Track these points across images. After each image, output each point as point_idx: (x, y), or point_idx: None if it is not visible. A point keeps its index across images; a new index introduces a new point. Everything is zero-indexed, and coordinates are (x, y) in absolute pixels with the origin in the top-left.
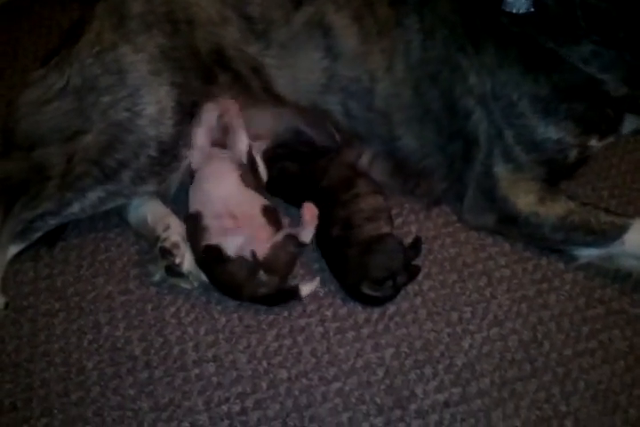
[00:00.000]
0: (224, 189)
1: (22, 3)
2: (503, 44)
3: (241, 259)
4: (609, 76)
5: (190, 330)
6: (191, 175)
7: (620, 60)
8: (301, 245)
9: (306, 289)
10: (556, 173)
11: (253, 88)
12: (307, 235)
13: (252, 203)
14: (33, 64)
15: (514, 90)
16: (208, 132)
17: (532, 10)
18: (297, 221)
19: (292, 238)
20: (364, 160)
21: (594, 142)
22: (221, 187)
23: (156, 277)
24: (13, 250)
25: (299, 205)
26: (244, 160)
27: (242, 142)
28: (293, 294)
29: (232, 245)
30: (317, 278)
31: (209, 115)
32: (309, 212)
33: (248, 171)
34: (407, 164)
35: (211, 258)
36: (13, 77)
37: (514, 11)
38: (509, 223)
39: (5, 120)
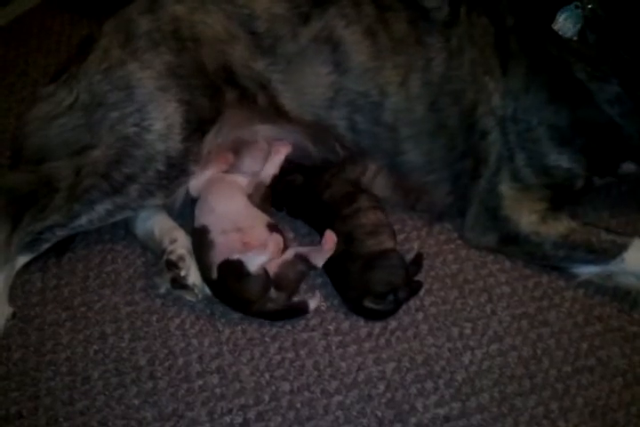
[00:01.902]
0: (231, 205)
1: (33, 18)
2: (535, 69)
3: (261, 276)
4: (626, 124)
5: (194, 342)
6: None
7: (637, 110)
8: (312, 267)
9: (313, 304)
10: (561, 198)
11: (260, 103)
12: (321, 260)
13: (258, 220)
14: (43, 79)
15: (534, 115)
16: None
17: (576, 38)
18: (300, 236)
19: (303, 259)
20: (367, 175)
21: (596, 178)
22: (229, 204)
23: (162, 290)
24: (22, 261)
25: (302, 218)
26: (266, 183)
27: (273, 169)
28: (302, 309)
29: (255, 262)
30: (317, 293)
31: (220, 134)
32: (330, 239)
33: (260, 192)
34: (410, 179)
35: (230, 273)
36: (23, 91)
37: (560, 32)
38: (511, 243)
39: (14, 134)
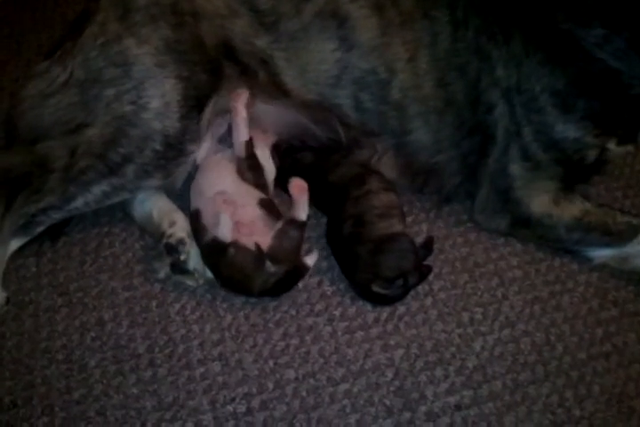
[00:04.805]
0: (219, 184)
1: None
2: (527, 29)
3: (244, 248)
4: (622, 66)
5: (195, 328)
6: (196, 170)
7: (631, 50)
8: (301, 225)
9: (310, 260)
10: (573, 175)
11: (260, 81)
12: (301, 212)
13: (249, 196)
14: (36, 57)
15: (536, 83)
16: (215, 126)
17: None
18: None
19: (291, 222)
20: (374, 157)
21: (612, 146)
22: (217, 183)
23: (161, 274)
24: (15, 244)
25: (309, 199)
26: (242, 154)
27: (242, 135)
28: (301, 269)
29: (223, 229)
30: (315, 251)
31: (217, 109)
32: (297, 186)
33: (244, 166)
34: (417, 159)
35: (212, 253)
36: (16, 71)
37: None
38: (523, 226)
39: (8, 113)
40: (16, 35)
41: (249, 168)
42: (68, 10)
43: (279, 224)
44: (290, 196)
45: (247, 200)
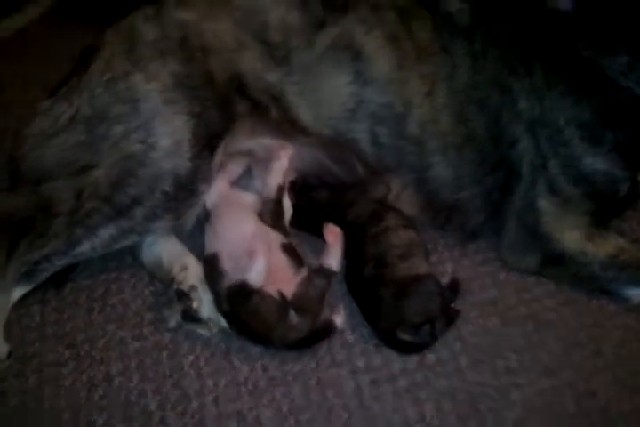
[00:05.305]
0: (241, 229)
1: (33, 32)
2: (549, 62)
3: (269, 296)
4: None
5: (210, 382)
6: (206, 214)
7: None
8: (329, 274)
9: (339, 320)
10: (605, 210)
11: (273, 117)
12: (334, 261)
13: (271, 240)
14: (42, 95)
15: (560, 115)
16: (227, 169)
17: (573, 11)
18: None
19: (319, 270)
20: (392, 193)
21: None
22: (238, 227)
23: (172, 323)
24: (18, 293)
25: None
26: (272, 197)
27: (276, 178)
28: (328, 329)
29: (254, 273)
30: (341, 308)
31: (229, 150)
32: (333, 233)
33: (268, 209)
34: (438, 196)
35: (237, 297)
36: (21, 109)
37: (556, 7)
38: (555, 263)
39: (12, 152)
40: (22, 73)
41: (271, 211)
42: (76, 46)
43: (304, 271)
44: (314, 235)
45: (270, 244)
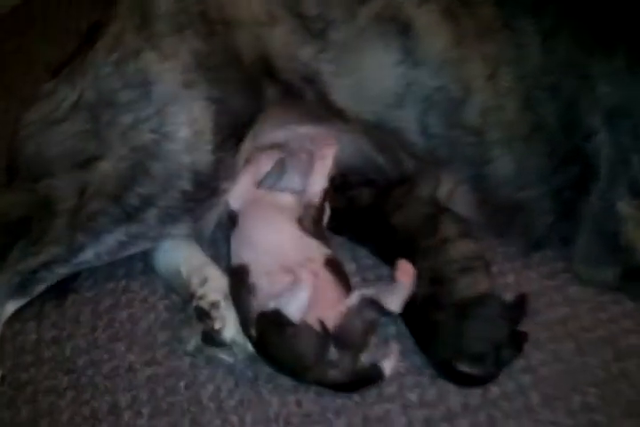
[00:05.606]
0: (277, 237)
1: (35, 5)
2: (635, 43)
3: (308, 327)
4: None
5: (234, 418)
6: (230, 217)
7: None
8: (386, 313)
9: (388, 366)
10: None
11: (307, 101)
12: (397, 302)
13: (313, 254)
14: (46, 75)
15: None
16: (253, 164)
17: None
18: (364, 269)
19: (372, 303)
20: (443, 191)
21: None
22: (274, 235)
23: (190, 346)
24: (11, 307)
25: (368, 246)
26: (316, 202)
27: (321, 182)
28: (374, 376)
29: (294, 306)
30: (393, 348)
31: (257, 142)
32: (405, 271)
33: (310, 215)
34: (499, 194)
35: (268, 329)
36: (24, 91)
37: None
38: (636, 279)
39: (9, 142)
40: (24, 50)
41: (313, 218)
42: (84, 21)
43: (355, 299)
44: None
45: (314, 260)
